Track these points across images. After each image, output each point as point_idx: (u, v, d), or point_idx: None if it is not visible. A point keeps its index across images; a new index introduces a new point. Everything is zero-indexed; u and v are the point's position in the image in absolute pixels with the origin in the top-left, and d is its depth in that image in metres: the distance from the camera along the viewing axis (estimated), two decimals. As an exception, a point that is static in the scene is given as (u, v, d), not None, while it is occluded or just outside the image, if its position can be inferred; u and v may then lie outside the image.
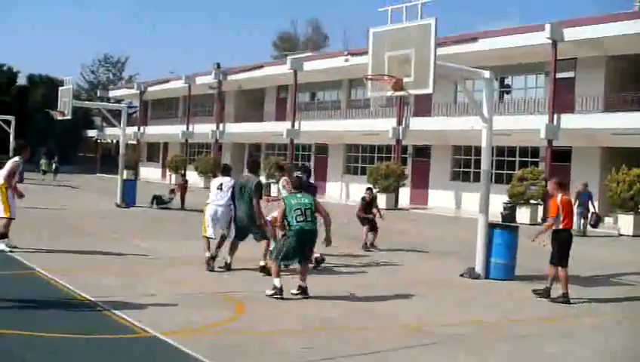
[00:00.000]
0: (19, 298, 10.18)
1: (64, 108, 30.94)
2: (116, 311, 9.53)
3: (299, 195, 12.02)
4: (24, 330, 8.38)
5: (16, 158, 15.44)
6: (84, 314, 9.58)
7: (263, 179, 15.82)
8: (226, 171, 15.11)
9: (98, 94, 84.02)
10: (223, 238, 14.33)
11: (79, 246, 16.17)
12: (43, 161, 54.37)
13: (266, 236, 14.00)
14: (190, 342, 8.21)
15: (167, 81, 66.41)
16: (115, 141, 75.87)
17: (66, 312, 9.67)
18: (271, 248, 13.14)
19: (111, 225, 21.80)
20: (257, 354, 8.17)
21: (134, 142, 68.43)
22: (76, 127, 73.64)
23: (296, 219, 11.54)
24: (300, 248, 11.62)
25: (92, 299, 10.32)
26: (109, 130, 72.33)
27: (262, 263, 13.76)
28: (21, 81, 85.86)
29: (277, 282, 11.41)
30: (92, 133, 78.82)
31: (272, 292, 11.31)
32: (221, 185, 14.47)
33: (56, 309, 9.79)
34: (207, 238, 14.25)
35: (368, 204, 19.89)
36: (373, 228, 19.48)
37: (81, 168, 73.34)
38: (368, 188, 21.03)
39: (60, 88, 32.41)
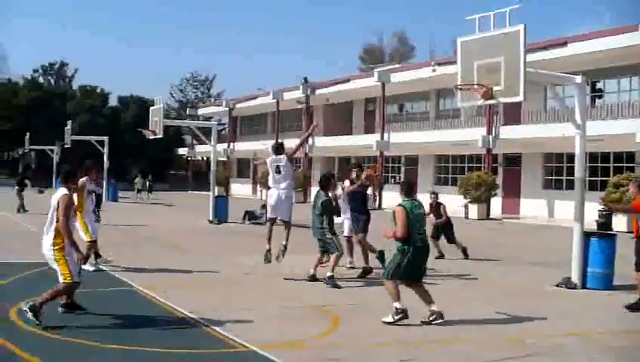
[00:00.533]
0: (118, 314, 10.41)
1: (155, 127, 31.51)
2: (214, 327, 9.67)
3: (416, 203, 10.74)
4: (125, 345, 8.59)
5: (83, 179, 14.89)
6: (183, 330, 9.73)
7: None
8: (279, 150, 15.20)
9: (187, 112, 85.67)
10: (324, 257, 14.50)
11: (175, 262, 16.46)
12: (138, 180, 55.52)
13: (336, 249, 14.09)
14: (289, 356, 8.28)
15: (255, 98, 67.16)
16: (205, 158, 77.13)
17: (166, 328, 9.84)
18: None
19: (205, 241, 22.14)
20: (354, 367, 8.18)
21: (224, 158, 69.29)
22: (167, 145, 75.04)
23: (418, 232, 10.44)
24: (418, 267, 10.64)
25: (190, 314, 10.48)
26: (199, 148, 73.62)
27: (329, 274, 13.80)
28: (112, 102, 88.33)
29: (398, 304, 10.28)
30: (182, 151, 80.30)
31: (397, 318, 10.22)
32: (278, 167, 14.86)
33: (156, 325, 9.97)
34: (272, 221, 14.94)
35: (435, 208, 19.47)
36: (449, 239, 19.20)
37: (172, 186, 74.68)
38: (433, 193, 20.47)
39: (151, 108, 33.04)
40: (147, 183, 55.38)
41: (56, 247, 9.68)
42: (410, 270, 10.41)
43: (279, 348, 8.62)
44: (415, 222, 10.38)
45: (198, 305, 11.23)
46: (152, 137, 32.37)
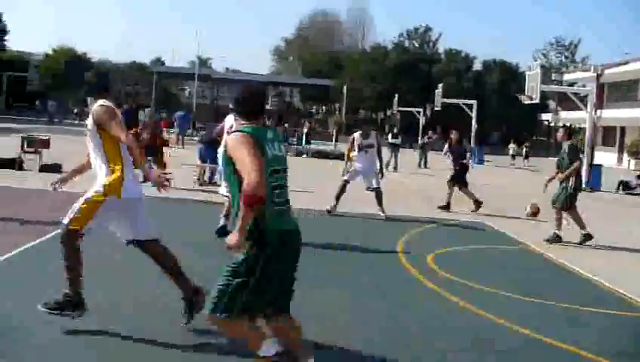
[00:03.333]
0: (504, 266, 10.87)
1: (532, 92, 31.85)
2: (616, 288, 9.71)
3: (267, 130, 5.05)
4: (534, 297, 8.96)
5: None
6: (584, 289, 9.95)
7: None
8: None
9: (552, 78, 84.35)
10: None
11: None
12: (512, 146, 55.77)
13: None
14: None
15: (626, 63, 64.45)
16: (568, 125, 75.60)
17: (564, 284, 10.12)
18: None
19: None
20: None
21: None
22: (531, 110, 74.38)
23: (274, 194, 4.92)
24: (285, 278, 5.08)
25: (589, 275, 10.68)
26: (563, 114, 72.14)
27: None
28: (476, 66, 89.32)
29: (265, 349, 4.99)
30: (545, 116, 79.25)
31: None
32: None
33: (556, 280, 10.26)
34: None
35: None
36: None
37: (534, 151, 73.99)
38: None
39: (527, 73, 33.45)
40: (523, 150, 55.34)
41: None
42: (271, 285, 4.93)
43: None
44: (270, 167, 4.89)
45: (592, 266, 11.39)
46: (527, 102, 32.91)
